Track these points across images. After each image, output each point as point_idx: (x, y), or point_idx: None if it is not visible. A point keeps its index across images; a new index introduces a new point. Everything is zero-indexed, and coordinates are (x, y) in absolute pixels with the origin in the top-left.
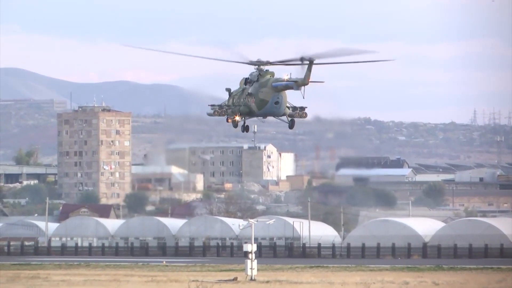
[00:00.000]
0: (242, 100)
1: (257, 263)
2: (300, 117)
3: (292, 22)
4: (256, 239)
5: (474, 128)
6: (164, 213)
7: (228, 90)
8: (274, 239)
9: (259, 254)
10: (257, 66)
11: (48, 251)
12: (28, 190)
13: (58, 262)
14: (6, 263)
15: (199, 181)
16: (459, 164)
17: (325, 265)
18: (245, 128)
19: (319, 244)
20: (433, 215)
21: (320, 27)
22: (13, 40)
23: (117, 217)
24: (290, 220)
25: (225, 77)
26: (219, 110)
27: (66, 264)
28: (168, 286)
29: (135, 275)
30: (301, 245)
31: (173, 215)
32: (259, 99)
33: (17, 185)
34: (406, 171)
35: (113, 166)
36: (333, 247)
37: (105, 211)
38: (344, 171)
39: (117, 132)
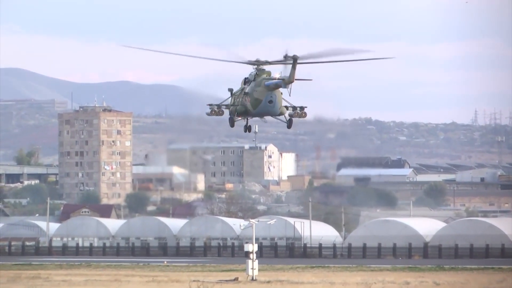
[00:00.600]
0: (240, 100)
1: (258, 263)
2: (300, 117)
3: (292, 22)
4: (257, 239)
5: (475, 128)
6: (165, 213)
7: (230, 90)
8: (275, 239)
9: (260, 254)
10: (255, 66)
11: (49, 251)
12: (29, 190)
13: (59, 262)
14: (7, 263)
15: (200, 181)
16: (460, 164)
17: (326, 265)
18: (248, 128)
19: (320, 244)
20: (434, 215)
21: (320, 28)
22: (14, 40)
23: (118, 217)
24: (291, 220)
25: (226, 77)
26: (216, 109)
27: (67, 264)
28: (169, 286)
29: (136, 275)
30: (302, 245)
31: (174, 215)
32: (253, 98)
33: (18, 185)
34: (407, 171)
35: (114, 166)
36: (334, 247)
37: (106, 211)
38: (345, 171)
39: (118, 132)
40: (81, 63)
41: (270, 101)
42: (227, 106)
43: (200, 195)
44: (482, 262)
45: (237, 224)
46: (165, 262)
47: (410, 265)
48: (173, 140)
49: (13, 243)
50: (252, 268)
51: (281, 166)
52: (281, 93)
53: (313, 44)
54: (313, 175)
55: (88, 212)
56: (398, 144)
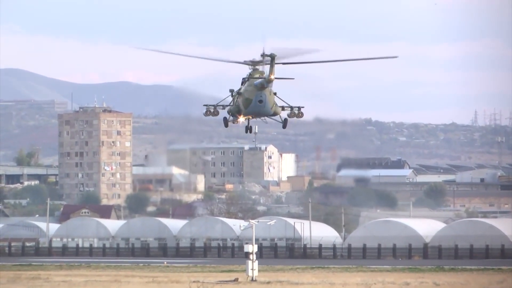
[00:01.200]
0: (235, 100)
1: (258, 264)
2: (296, 117)
3: (292, 22)
4: (257, 239)
5: (475, 128)
6: (165, 214)
7: (231, 91)
8: (275, 239)
9: (260, 254)
10: (251, 66)
11: (49, 251)
12: (29, 190)
13: (59, 263)
14: (7, 264)
15: (200, 182)
16: (460, 164)
17: (326, 265)
18: (249, 129)
19: (320, 244)
20: (434, 215)
21: (321, 28)
22: (14, 41)
23: (118, 217)
24: (291, 220)
25: (226, 78)
26: (211, 110)
27: (67, 264)
28: (169, 287)
29: (136, 276)
30: (302, 246)
31: (174, 215)
32: (244, 97)
33: (18, 185)
34: (407, 172)
35: (114, 167)
36: (334, 247)
37: (106, 212)
38: (345, 172)
39: (118, 132)
40: (81, 63)
41: (260, 101)
42: (223, 107)
43: (200, 196)
44: (482, 262)
45: (237, 225)
46: (165, 262)
47: (410, 266)
48: (173, 140)
49: (13, 243)
50: (252, 269)
51: (281, 166)
52: (274, 93)
53: (313, 45)
54: (313, 176)
55: (88, 212)
56: (398, 144)
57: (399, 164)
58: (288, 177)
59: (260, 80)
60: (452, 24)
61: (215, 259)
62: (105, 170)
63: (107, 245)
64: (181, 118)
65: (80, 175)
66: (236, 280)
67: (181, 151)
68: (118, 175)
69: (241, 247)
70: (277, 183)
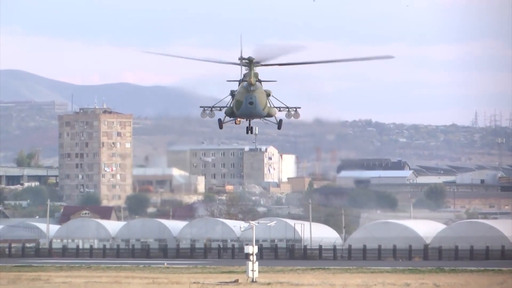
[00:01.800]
0: (231, 101)
1: (258, 265)
2: (293, 118)
3: (293, 23)
4: (257, 241)
5: (475, 130)
6: (165, 215)
7: (232, 92)
8: (275, 241)
9: (260, 256)
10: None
11: (49, 253)
12: (29, 192)
13: (59, 264)
14: (7, 265)
15: (200, 183)
16: (460, 166)
17: (326, 267)
18: (250, 130)
19: (320, 246)
20: (434, 217)
21: (321, 29)
22: (14, 42)
23: (118, 219)
24: (291, 222)
25: (226, 79)
26: (208, 112)
27: (67, 266)
28: None
29: (136, 277)
30: (302, 247)
31: (174, 217)
32: (236, 99)
33: (18, 187)
34: (407, 173)
35: (114, 168)
36: (334, 249)
37: (106, 213)
38: (345, 173)
39: (118, 134)
40: (81, 64)
41: (250, 103)
42: (221, 108)
43: (200, 197)
44: (482, 264)
45: (237, 226)
46: (165, 264)
47: (410, 267)
48: (173, 142)
49: (13, 245)
50: (252, 270)
51: (281, 168)
52: (268, 94)
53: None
54: (313, 177)
55: (88, 214)
56: (398, 146)
57: (399, 165)
58: (288, 178)
59: (245, 82)
60: (452, 25)
61: (215, 260)
62: (105, 171)
63: (107, 246)
64: (181, 119)
65: (80, 176)
66: (236, 281)
67: (182, 152)
68: (118, 176)
69: (241, 248)
70: (277, 184)
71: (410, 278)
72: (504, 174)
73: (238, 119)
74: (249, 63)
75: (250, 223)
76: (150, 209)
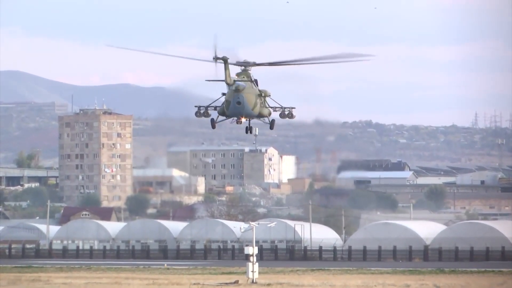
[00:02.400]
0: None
1: (259, 266)
2: (288, 118)
3: (293, 23)
4: (257, 242)
5: (475, 131)
6: (165, 216)
7: (224, 94)
8: (275, 242)
9: (260, 257)
10: (243, 67)
11: (49, 254)
12: (29, 193)
13: (59, 265)
14: (7, 266)
15: (201, 184)
16: (460, 167)
17: (326, 268)
18: (250, 129)
19: (321, 247)
20: (434, 218)
21: (320, 30)
22: (14, 43)
23: (118, 220)
24: (291, 223)
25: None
26: (202, 111)
27: (67, 267)
28: None
29: (136, 278)
30: (303, 248)
31: (175, 218)
32: (225, 99)
33: (18, 188)
34: (407, 174)
35: (114, 169)
36: (334, 250)
37: (106, 214)
38: (345, 174)
39: (118, 135)
40: (81, 65)
41: (238, 102)
42: (215, 108)
43: (200, 198)
44: (482, 265)
45: (237, 227)
46: (165, 265)
47: (411, 268)
48: (174, 142)
49: (13, 245)
50: (253, 271)
51: (282, 168)
52: (260, 94)
53: (314, 46)
54: (313, 178)
55: (88, 214)
56: (398, 146)
57: (399, 166)
58: (288, 179)
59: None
60: (452, 26)
61: (215, 261)
62: (106, 172)
63: (108, 247)
64: (182, 120)
65: (80, 177)
66: (236, 282)
67: (182, 153)
68: (118, 177)
69: (241, 249)
70: (278, 185)
71: (410, 279)
72: (504, 175)
73: (240, 119)
74: (224, 62)
75: (250, 224)
76: (150, 210)
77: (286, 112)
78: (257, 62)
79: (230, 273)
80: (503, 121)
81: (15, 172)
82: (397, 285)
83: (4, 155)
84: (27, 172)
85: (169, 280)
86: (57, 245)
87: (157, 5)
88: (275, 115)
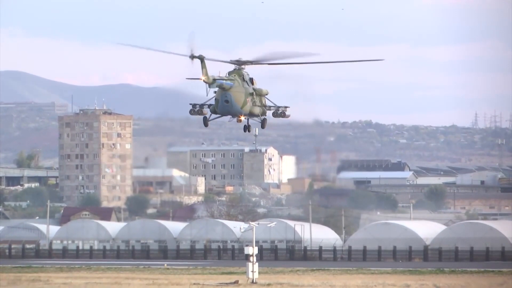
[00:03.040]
0: None
1: (258, 266)
2: (282, 117)
3: (293, 24)
4: (257, 242)
5: (475, 131)
6: (165, 216)
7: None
8: (275, 242)
9: (260, 257)
10: (238, 66)
11: (49, 254)
12: (29, 193)
13: (59, 265)
14: (7, 266)
15: (200, 184)
16: (460, 167)
17: (326, 268)
18: (247, 128)
19: (320, 247)
20: (434, 218)
21: (321, 30)
22: (14, 43)
23: (118, 220)
24: (291, 223)
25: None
26: (196, 109)
27: (67, 267)
28: None
29: (136, 278)
30: (302, 248)
31: (174, 218)
32: (215, 98)
33: (18, 188)
34: (407, 174)
35: (114, 169)
36: (334, 250)
37: (106, 214)
38: (345, 174)
39: (118, 135)
40: (81, 65)
41: (226, 101)
42: (209, 106)
43: (200, 198)
44: (482, 265)
45: (237, 227)
46: (165, 265)
47: (410, 268)
48: (173, 143)
49: (13, 245)
50: (253, 271)
51: (281, 169)
52: (251, 93)
53: (314, 46)
54: (313, 178)
55: (88, 215)
56: (398, 147)
57: (399, 166)
58: (288, 179)
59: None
60: (452, 26)
61: (215, 261)
62: (106, 172)
63: (108, 247)
64: (181, 121)
65: (80, 177)
66: (236, 282)
67: (182, 153)
68: (118, 177)
69: (241, 249)
70: (278, 185)
71: (410, 279)
72: (504, 175)
73: (240, 118)
74: (201, 61)
75: (250, 224)
76: (150, 210)
77: (279, 111)
78: (261, 62)
79: (230, 273)
80: (503, 121)
81: (15, 172)
82: (397, 285)
83: (4, 155)
84: (27, 172)
85: (169, 280)
86: (57, 245)
87: (157, 5)
88: (268, 113)
